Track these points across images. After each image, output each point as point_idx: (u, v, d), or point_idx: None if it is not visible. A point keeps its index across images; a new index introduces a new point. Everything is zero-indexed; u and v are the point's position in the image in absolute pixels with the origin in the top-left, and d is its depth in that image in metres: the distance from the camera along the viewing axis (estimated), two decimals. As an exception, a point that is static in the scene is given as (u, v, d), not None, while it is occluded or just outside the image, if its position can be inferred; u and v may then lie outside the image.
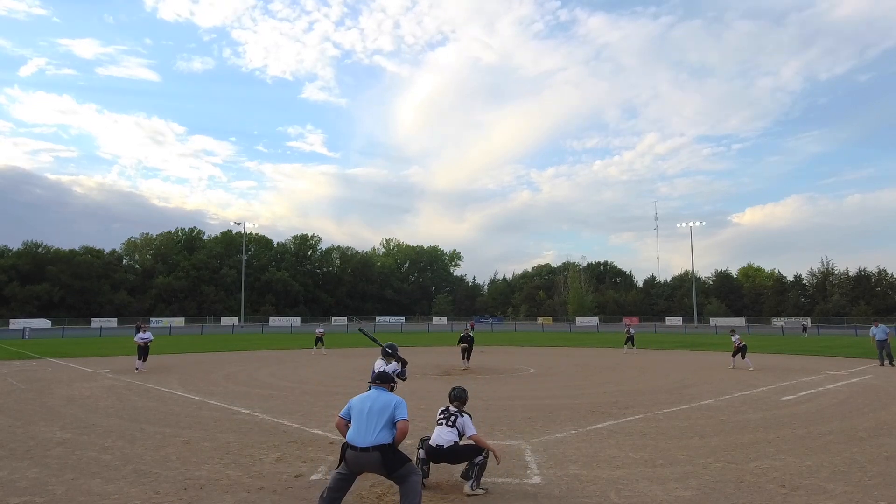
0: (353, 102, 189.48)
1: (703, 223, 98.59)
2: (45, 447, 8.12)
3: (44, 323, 69.76)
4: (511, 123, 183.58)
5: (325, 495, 5.24)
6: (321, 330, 31.09)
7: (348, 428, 5.29)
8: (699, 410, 11.39)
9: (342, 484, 5.23)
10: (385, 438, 5.12)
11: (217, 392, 14.01)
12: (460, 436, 6.30)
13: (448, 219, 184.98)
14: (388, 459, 5.09)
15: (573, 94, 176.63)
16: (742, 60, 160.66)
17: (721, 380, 16.65)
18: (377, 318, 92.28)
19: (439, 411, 6.61)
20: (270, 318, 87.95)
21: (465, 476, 6.19)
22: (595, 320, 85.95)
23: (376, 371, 6.33)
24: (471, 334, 21.45)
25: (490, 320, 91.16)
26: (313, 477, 6.63)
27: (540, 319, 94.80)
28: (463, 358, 20.82)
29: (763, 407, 11.73)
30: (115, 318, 79.49)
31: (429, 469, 6.39)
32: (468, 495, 6.00)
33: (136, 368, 18.65)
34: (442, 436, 6.24)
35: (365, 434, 5.12)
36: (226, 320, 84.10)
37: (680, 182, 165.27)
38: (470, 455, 6.20)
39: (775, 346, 32.12)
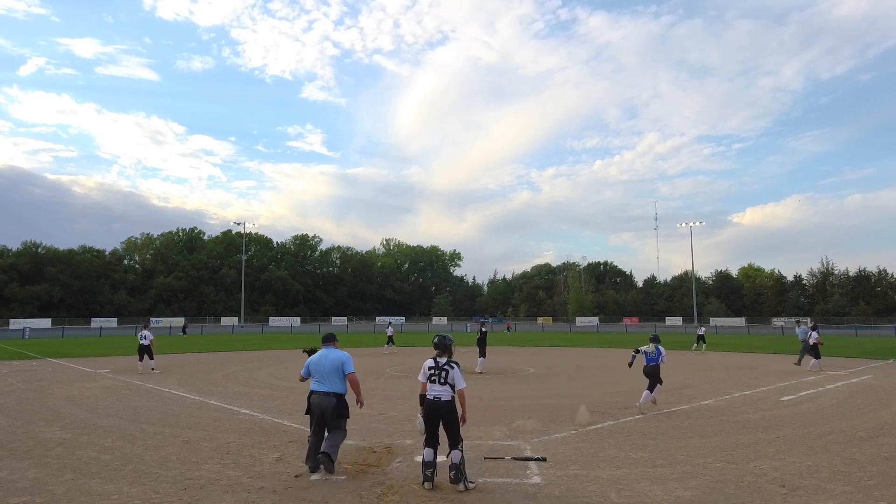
0: (352, 102, 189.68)
1: (703, 223, 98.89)
2: (45, 447, 8.12)
3: (44, 323, 69.74)
4: (511, 123, 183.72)
5: (309, 439, 6.89)
6: (391, 329, 32.14)
7: (303, 380, 7.14)
8: (699, 410, 11.38)
9: (317, 428, 6.82)
10: (340, 388, 6.83)
11: (217, 392, 14.01)
12: (453, 389, 6.38)
13: (448, 219, 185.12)
14: (340, 403, 6.77)
15: (573, 94, 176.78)
16: (743, 60, 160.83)
17: (721, 380, 16.65)
18: (377, 318, 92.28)
19: (427, 367, 6.46)
20: (270, 318, 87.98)
21: (455, 480, 6.15)
22: (595, 320, 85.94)
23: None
24: (483, 329, 20.95)
25: (490, 320, 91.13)
26: (313, 477, 6.63)
27: (540, 319, 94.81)
28: (482, 356, 20.13)
29: (763, 407, 11.73)
30: (115, 319, 79.53)
31: (434, 472, 6.26)
32: (462, 492, 6.08)
33: (151, 368, 18.66)
34: (436, 390, 6.36)
35: (326, 383, 6.81)
36: (226, 320, 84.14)
37: (680, 182, 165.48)
38: (457, 425, 6.29)
39: (775, 346, 32.11)
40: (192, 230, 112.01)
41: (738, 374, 18.37)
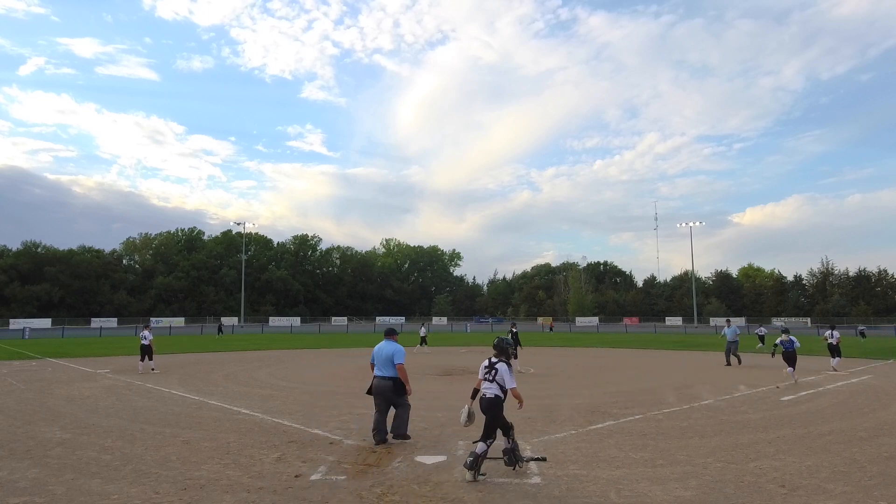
0: (352, 102, 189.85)
1: (703, 223, 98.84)
2: (45, 447, 8.12)
3: (44, 323, 69.71)
4: (511, 123, 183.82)
5: (374, 416, 8.30)
6: (425, 330, 32.38)
7: (372, 367, 8.46)
8: (699, 410, 11.38)
9: (379, 407, 8.29)
10: (395, 373, 8.25)
11: (217, 392, 14.00)
12: (502, 389, 6.77)
13: (448, 219, 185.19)
14: (396, 384, 8.22)
15: (573, 94, 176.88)
16: (743, 60, 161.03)
17: (721, 380, 16.65)
18: (377, 318, 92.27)
19: (483, 366, 6.99)
20: (270, 318, 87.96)
21: (509, 463, 6.71)
22: (595, 320, 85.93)
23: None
24: (514, 329, 20.57)
25: (490, 320, 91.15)
26: (313, 477, 6.63)
27: (540, 319, 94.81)
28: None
29: (763, 407, 11.73)
30: (115, 319, 79.51)
31: (480, 462, 6.54)
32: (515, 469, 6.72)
33: (151, 368, 18.62)
34: (485, 387, 6.88)
35: (383, 370, 8.27)
36: (226, 320, 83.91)
37: (680, 182, 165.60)
38: (502, 423, 6.72)
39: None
40: (192, 230, 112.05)
41: (738, 374, 18.36)
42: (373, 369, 8.46)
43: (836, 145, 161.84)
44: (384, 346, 8.37)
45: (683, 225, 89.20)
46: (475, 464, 6.47)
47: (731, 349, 20.91)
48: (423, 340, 31.11)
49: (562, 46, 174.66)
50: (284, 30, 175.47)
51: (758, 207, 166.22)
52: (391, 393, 8.20)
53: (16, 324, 64.74)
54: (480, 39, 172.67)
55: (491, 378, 6.82)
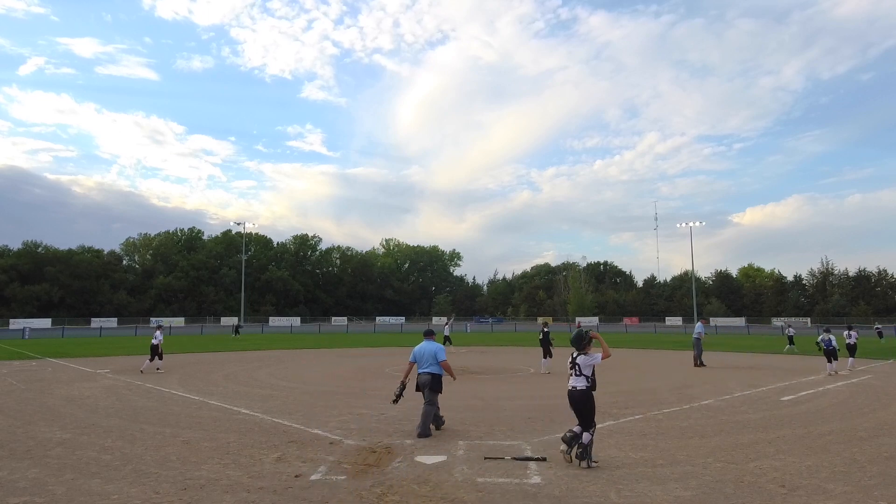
0: (352, 102, 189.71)
1: (704, 223, 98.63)
2: (45, 447, 8.12)
3: (44, 323, 69.73)
4: (511, 123, 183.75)
5: (424, 406, 9.00)
6: (449, 329, 32.43)
7: (411, 367, 9.32)
8: (699, 410, 11.38)
9: (428, 398, 9.02)
10: (437, 370, 9.07)
11: (217, 392, 14.00)
12: (588, 379, 7.21)
13: (448, 219, 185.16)
14: (435, 381, 9.03)
15: (574, 94, 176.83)
16: (743, 59, 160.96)
17: (721, 380, 16.65)
18: (377, 318, 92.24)
19: (568, 362, 7.51)
20: (270, 318, 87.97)
21: (581, 457, 7.03)
22: (595, 320, 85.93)
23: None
24: (546, 329, 20.39)
25: (490, 320, 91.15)
26: (313, 477, 6.63)
27: (540, 320, 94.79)
28: (546, 357, 19.76)
29: (763, 407, 11.73)
30: (115, 319, 79.52)
31: (573, 441, 7.09)
32: (585, 469, 7.00)
33: (156, 368, 18.72)
34: (572, 381, 7.34)
35: (426, 366, 9.08)
36: (226, 320, 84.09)
37: (680, 182, 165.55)
38: (590, 415, 7.15)
39: (776, 346, 32.13)
40: (192, 230, 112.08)
41: (738, 373, 18.37)
42: (411, 367, 9.28)
43: (836, 145, 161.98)
44: (426, 346, 9.27)
45: (683, 225, 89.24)
46: (585, 454, 6.96)
47: (697, 347, 20.38)
48: (447, 339, 29.63)
49: (562, 46, 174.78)
50: (284, 29, 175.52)
51: (758, 207, 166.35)
52: (430, 389, 9.00)
53: (16, 324, 64.75)
54: (480, 39, 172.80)
55: (578, 372, 7.26)
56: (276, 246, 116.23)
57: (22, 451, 7.91)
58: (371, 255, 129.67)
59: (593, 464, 7.06)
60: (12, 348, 30.18)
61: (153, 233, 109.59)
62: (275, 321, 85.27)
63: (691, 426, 9.73)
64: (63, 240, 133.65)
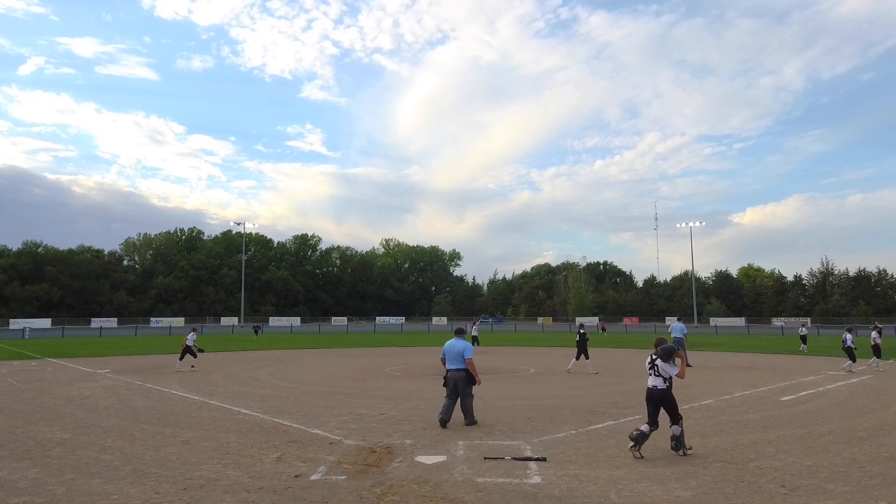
0: (352, 101, 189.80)
1: (703, 223, 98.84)
2: (45, 447, 8.12)
3: (44, 323, 69.73)
4: (511, 123, 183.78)
5: (445, 399, 9.65)
6: (476, 329, 32.68)
7: (443, 362, 9.87)
8: (699, 410, 11.38)
9: (451, 393, 9.61)
10: (464, 366, 9.59)
11: (217, 392, 14.00)
12: (666, 380, 7.65)
13: (448, 219, 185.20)
14: (467, 375, 9.58)
15: (574, 94, 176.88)
16: (744, 59, 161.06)
17: (721, 380, 16.65)
18: (377, 318, 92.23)
19: (647, 362, 7.94)
20: (270, 318, 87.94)
21: (675, 448, 7.62)
22: (595, 320, 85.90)
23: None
24: (582, 330, 19.67)
25: (490, 320, 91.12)
26: (313, 477, 6.63)
27: (540, 320, 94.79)
28: (577, 358, 18.88)
29: (763, 407, 11.72)
30: (115, 319, 79.51)
31: (640, 439, 7.51)
32: (681, 456, 7.54)
33: (191, 366, 19.56)
34: (652, 381, 7.78)
35: (455, 363, 9.64)
36: (226, 320, 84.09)
37: (680, 182, 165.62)
38: (674, 410, 7.61)
39: (775, 346, 32.13)
40: (192, 230, 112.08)
41: (738, 374, 18.36)
42: (444, 364, 9.81)
43: (836, 145, 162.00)
44: (455, 343, 9.73)
45: (683, 225, 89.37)
46: (679, 444, 7.56)
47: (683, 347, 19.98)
48: (475, 339, 30.42)
49: (562, 46, 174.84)
50: (284, 29, 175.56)
51: (758, 207, 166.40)
52: (463, 382, 9.54)
53: (16, 324, 64.75)
54: (480, 39, 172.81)
55: (657, 373, 7.72)
56: (276, 246, 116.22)
57: (22, 451, 7.91)
58: (371, 255, 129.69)
59: (688, 451, 7.61)
60: (12, 348, 30.18)
61: (153, 233, 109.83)
62: (275, 321, 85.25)
63: (691, 426, 9.71)
64: (63, 240, 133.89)
